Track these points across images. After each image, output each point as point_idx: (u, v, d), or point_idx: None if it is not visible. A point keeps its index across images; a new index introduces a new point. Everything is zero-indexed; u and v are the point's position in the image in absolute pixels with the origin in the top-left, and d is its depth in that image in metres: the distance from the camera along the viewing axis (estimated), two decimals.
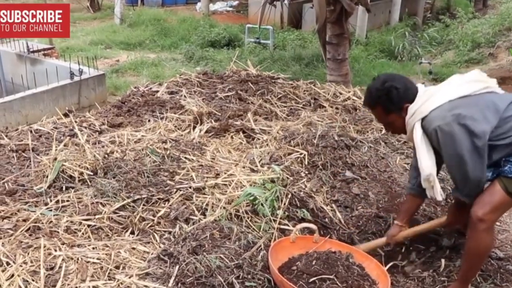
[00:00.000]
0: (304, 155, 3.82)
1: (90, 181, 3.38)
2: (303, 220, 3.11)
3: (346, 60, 6.60)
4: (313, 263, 2.66)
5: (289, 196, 3.19)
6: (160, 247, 2.77)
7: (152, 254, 2.70)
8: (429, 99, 2.51)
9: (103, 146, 3.93)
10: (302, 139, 4.02)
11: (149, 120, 4.62)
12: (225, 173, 3.48)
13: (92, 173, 3.45)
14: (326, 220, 3.24)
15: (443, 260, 2.95)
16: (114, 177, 3.37)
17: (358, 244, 3.08)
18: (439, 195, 2.62)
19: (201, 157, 3.78)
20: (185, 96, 5.22)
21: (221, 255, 2.58)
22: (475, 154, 2.35)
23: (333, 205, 3.38)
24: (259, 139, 4.21)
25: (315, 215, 3.22)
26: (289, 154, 3.86)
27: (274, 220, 3.00)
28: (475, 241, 2.48)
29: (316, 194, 3.44)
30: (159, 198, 3.19)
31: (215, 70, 6.82)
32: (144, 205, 3.12)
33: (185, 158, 3.72)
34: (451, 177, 2.63)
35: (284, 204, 3.14)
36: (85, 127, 4.40)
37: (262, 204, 3.02)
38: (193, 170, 3.53)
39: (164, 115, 4.68)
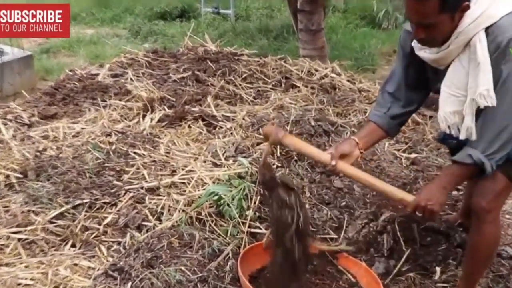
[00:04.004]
0: None
1: (19, 186, 3.34)
2: None
3: (321, 30, 6.64)
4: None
5: (260, 193, 3.20)
6: (108, 261, 2.75)
7: (98, 270, 2.68)
8: (496, 1, 2.24)
9: (33, 143, 3.89)
10: None
11: (89, 110, 4.58)
12: (183, 170, 3.48)
13: (21, 176, 3.41)
14: None
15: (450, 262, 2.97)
16: (48, 180, 3.34)
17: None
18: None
19: (153, 151, 3.77)
20: (131, 79, 5.18)
21: (182, 267, 2.58)
22: None
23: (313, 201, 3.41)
24: (221, 127, 4.22)
25: None
26: (258, 144, 3.87)
27: (243, 223, 3.02)
28: (481, 235, 2.45)
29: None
30: (104, 203, 3.17)
31: (166, 47, 6.79)
32: (86, 211, 3.09)
33: (135, 153, 3.71)
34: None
35: (255, 203, 3.16)
36: (10, 120, 4.31)
37: (228, 205, 3.03)
38: (144, 167, 3.52)
39: (107, 103, 4.64)
